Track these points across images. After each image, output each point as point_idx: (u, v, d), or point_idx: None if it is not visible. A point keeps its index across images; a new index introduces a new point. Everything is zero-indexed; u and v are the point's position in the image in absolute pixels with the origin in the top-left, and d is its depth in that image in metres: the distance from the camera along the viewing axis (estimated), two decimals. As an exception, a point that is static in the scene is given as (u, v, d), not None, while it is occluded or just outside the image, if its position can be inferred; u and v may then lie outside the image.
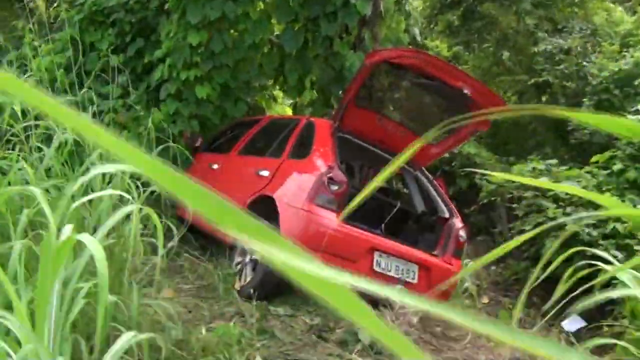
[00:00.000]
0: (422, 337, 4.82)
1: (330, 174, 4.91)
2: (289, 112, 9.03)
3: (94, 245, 2.02)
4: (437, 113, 6.11)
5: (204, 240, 6.76)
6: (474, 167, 9.74)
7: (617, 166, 8.18)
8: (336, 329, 4.64)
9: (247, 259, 5.24)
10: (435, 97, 5.83)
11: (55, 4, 9.02)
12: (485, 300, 7.96)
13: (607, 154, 8.51)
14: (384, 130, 5.84)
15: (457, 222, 5.68)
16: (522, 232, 8.22)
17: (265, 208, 5.39)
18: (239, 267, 5.31)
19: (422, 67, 5.19)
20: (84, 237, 2.11)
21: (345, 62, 6.73)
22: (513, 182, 8.69)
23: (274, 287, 5.00)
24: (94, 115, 7.02)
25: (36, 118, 4.04)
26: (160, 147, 5.25)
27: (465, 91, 5.25)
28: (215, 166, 6.45)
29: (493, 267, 8.89)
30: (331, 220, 4.85)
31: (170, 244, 6.59)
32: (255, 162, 5.91)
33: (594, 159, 8.60)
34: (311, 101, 6.88)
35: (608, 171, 8.25)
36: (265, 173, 5.50)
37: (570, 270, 6.71)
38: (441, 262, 5.45)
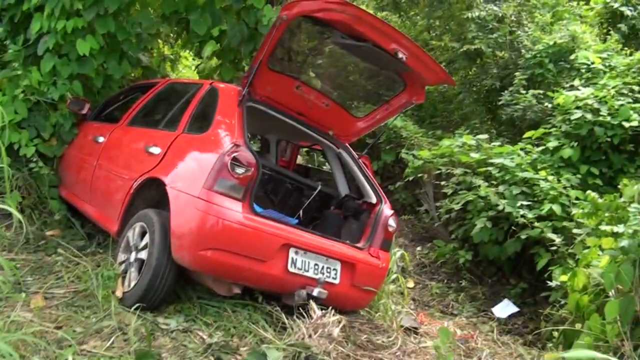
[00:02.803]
0: (344, 351, 3.88)
1: (235, 154, 3.84)
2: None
3: None
4: (366, 81, 5.11)
5: (92, 228, 5.56)
6: (400, 141, 8.90)
7: (552, 143, 7.51)
8: (240, 348, 3.63)
9: (132, 257, 4.11)
10: (365, 61, 4.81)
11: None
12: (410, 284, 7.17)
13: (541, 130, 7.82)
14: (303, 100, 4.78)
15: (386, 209, 4.75)
16: (450, 211, 7.48)
17: (156, 194, 4.29)
18: (122, 267, 4.19)
19: (350, 24, 4.16)
20: None
21: (261, 18, 5.56)
22: (441, 157, 7.91)
23: (164, 294, 3.92)
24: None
25: None
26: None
27: (400, 56, 4.27)
28: (101, 139, 5.21)
29: (419, 248, 8.11)
30: (235, 211, 3.79)
31: (49, 233, 5.43)
32: (145, 135, 4.72)
33: (527, 134, 7.91)
34: (216, 61, 5.66)
35: (542, 148, 7.57)
36: (155, 150, 4.35)
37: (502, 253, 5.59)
38: (367, 256, 4.52)
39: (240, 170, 3.83)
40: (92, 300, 4.02)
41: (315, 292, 4.02)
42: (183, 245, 3.77)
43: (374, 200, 4.80)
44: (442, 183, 7.61)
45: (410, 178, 8.19)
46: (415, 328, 5.42)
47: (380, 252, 4.61)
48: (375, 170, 9.09)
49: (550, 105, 8.40)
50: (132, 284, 3.95)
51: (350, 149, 5.12)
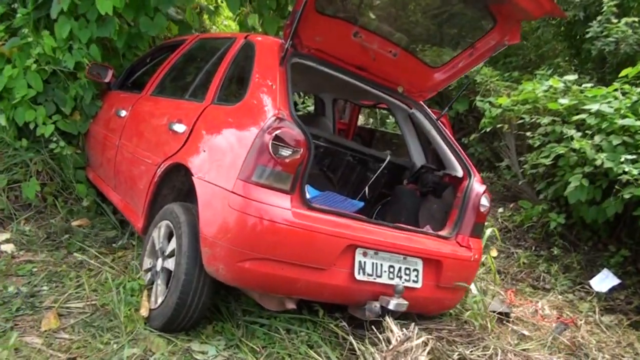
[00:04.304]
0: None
1: (278, 131, 2.74)
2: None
3: None
4: (444, 20, 3.84)
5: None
6: (474, 87, 7.53)
7: (656, 82, 6.03)
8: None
9: (159, 265, 3.13)
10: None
11: None
12: (494, 252, 6.01)
13: (640, 66, 6.33)
14: (364, 50, 3.58)
15: (477, 184, 3.57)
16: (536, 166, 6.18)
17: (186, 183, 3.27)
18: (148, 276, 3.22)
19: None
20: None
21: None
22: (523, 104, 6.55)
23: (198, 314, 2.94)
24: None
25: None
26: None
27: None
28: (123, 113, 4.20)
29: (500, 210, 6.88)
30: (281, 208, 2.72)
31: (75, 223, 4.53)
32: (169, 108, 3.66)
33: (623, 72, 6.40)
34: (257, 9, 4.48)
35: (643, 89, 6.10)
36: (180, 128, 3.29)
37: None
38: (455, 247, 3.40)
39: (285, 153, 2.73)
40: (114, 320, 3.09)
41: (391, 305, 2.94)
42: (216, 255, 2.75)
43: (459, 173, 3.64)
44: (528, 134, 6.28)
45: (488, 129, 6.88)
46: (507, 314, 4.38)
47: (471, 239, 3.47)
48: (445, 122, 7.81)
49: (648, 35, 6.87)
50: (159, 301, 2.98)
51: (426, 108, 3.93)
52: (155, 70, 4.33)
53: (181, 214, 2.99)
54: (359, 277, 2.92)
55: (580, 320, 4.70)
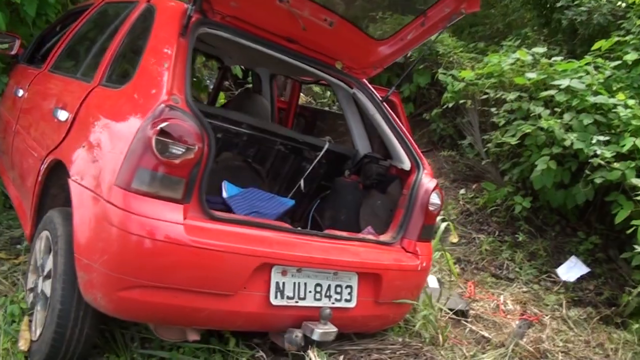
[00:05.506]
0: None
1: (164, 123, 2.07)
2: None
3: None
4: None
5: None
6: (436, 59, 6.86)
7: (631, 56, 5.46)
8: None
9: (39, 286, 2.48)
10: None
11: None
12: (454, 238, 5.47)
13: (613, 38, 5.74)
14: (292, 18, 2.89)
15: (426, 179, 2.96)
16: (501, 145, 5.60)
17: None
18: (31, 297, 2.57)
19: None
20: None
21: None
22: (488, 78, 5.94)
23: (82, 350, 2.30)
24: None
25: None
26: None
27: None
28: (21, 93, 3.48)
29: (462, 191, 6.31)
30: (170, 222, 2.07)
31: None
32: (57, 89, 2.96)
33: (596, 45, 5.82)
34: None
35: (616, 63, 5.52)
36: (63, 115, 2.60)
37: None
38: (399, 256, 2.80)
39: (176, 150, 2.07)
40: (-6, 355, 2.45)
41: (315, 335, 2.34)
42: (93, 281, 2.11)
43: (407, 165, 3.02)
44: (493, 110, 5.68)
45: (450, 104, 6.27)
46: (464, 312, 3.87)
47: (418, 245, 2.87)
48: (407, 95, 7.13)
49: (623, 5, 6.25)
50: (38, 332, 2.34)
51: (369, 86, 3.27)
52: (58, 41, 3.59)
53: (60, 224, 2.34)
54: (275, 302, 2.31)
55: (546, 315, 4.22)
